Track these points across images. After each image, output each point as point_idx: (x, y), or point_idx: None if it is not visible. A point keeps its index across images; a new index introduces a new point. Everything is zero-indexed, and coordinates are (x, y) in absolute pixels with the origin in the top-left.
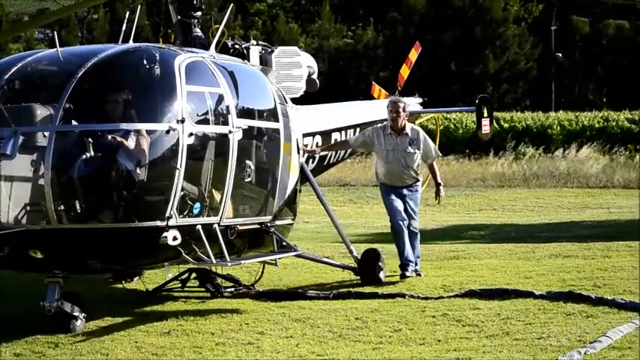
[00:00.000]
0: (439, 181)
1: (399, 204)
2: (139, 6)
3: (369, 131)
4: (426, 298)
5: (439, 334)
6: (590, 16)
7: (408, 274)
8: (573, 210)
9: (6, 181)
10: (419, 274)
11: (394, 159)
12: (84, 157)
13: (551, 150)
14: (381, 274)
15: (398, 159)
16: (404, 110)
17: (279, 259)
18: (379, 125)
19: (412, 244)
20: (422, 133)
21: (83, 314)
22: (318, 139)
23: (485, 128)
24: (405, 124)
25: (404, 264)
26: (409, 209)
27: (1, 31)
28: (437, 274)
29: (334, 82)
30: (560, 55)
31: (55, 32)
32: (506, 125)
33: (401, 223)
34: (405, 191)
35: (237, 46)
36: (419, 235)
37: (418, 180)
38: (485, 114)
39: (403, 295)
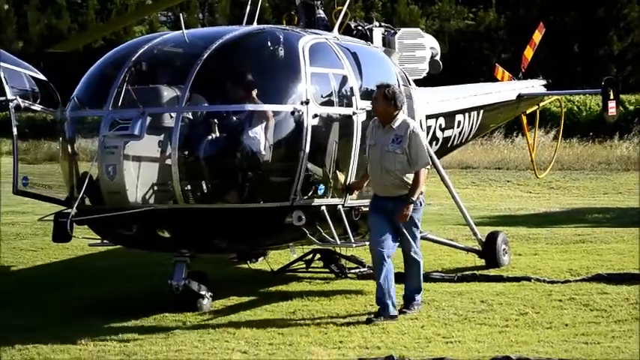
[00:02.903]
0: (413, 197)
1: (379, 221)
2: None
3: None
4: (553, 282)
5: (566, 319)
6: None
7: (376, 320)
8: None
9: (134, 161)
10: (403, 312)
11: (373, 158)
12: (210, 137)
13: None
14: (506, 257)
15: (376, 159)
16: (385, 98)
17: None
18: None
19: (409, 273)
20: (412, 129)
21: (210, 293)
22: (442, 120)
23: (612, 110)
24: (395, 115)
25: (378, 302)
26: (402, 229)
27: (126, 15)
28: (563, 258)
29: (455, 64)
30: None
31: (182, 15)
32: (631, 108)
33: (378, 249)
34: (389, 205)
35: (360, 28)
36: (420, 262)
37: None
38: (612, 96)
39: (529, 279)
